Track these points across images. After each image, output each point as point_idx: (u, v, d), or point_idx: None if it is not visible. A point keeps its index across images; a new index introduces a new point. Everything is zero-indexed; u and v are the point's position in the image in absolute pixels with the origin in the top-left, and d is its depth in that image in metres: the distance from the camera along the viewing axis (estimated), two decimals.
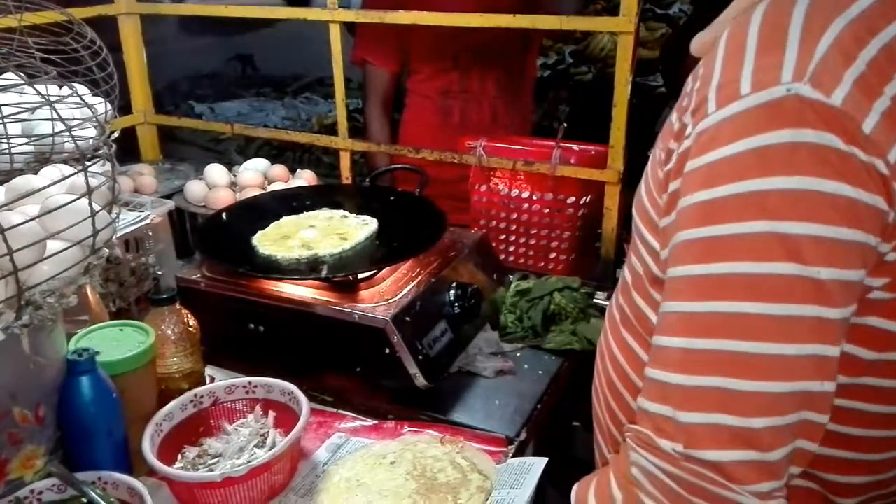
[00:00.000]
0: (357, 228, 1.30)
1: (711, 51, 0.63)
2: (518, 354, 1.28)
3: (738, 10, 0.66)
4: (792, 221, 0.55)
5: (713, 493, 0.58)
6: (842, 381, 0.62)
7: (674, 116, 0.68)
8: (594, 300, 1.35)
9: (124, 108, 1.92)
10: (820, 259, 0.55)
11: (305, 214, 1.38)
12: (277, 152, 2.47)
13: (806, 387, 0.57)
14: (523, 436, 1.08)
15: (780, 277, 0.56)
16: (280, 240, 1.28)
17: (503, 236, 1.58)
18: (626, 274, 0.82)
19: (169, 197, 1.59)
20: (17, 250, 0.69)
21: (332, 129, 1.73)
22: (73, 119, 0.88)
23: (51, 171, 0.95)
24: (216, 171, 1.64)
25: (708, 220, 0.59)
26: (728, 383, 0.58)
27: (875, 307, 0.62)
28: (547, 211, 1.52)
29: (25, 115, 0.92)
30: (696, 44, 0.72)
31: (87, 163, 0.84)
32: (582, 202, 1.51)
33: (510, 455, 1.04)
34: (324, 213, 1.38)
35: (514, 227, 1.57)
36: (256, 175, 1.64)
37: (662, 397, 0.61)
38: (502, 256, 1.57)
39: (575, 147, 1.51)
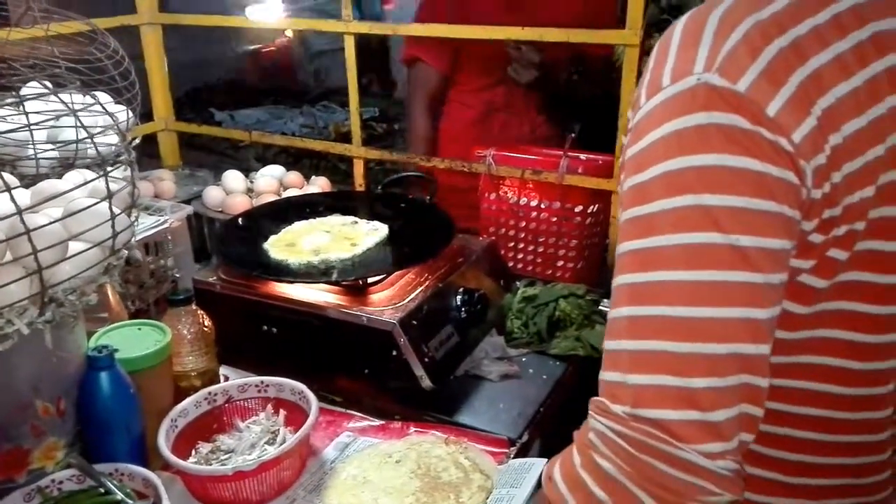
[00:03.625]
0: (367, 234, 1.34)
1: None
2: (523, 359, 1.31)
3: None
4: (708, 194, 0.61)
5: (661, 450, 0.61)
6: (780, 361, 0.67)
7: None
8: (599, 307, 1.38)
9: (146, 115, 1.97)
10: (737, 227, 0.61)
11: (317, 220, 1.42)
12: (294, 159, 2.51)
13: (740, 349, 0.61)
14: (525, 438, 1.11)
15: (706, 246, 0.61)
16: (292, 245, 1.32)
17: (512, 244, 1.61)
18: None
19: (188, 202, 1.64)
20: (41, 250, 0.74)
21: (348, 137, 1.77)
22: (96, 127, 0.93)
23: (74, 176, 0.99)
24: (233, 178, 1.68)
25: (641, 199, 0.65)
26: (669, 346, 0.62)
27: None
28: (555, 219, 1.55)
29: (51, 123, 0.97)
30: None
31: (109, 168, 0.88)
32: (589, 211, 1.53)
33: (512, 456, 1.07)
34: (335, 220, 1.42)
35: (522, 235, 1.59)
36: (272, 181, 1.69)
37: (614, 364, 0.65)
38: (511, 263, 1.60)
39: (582, 157, 1.54)
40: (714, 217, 0.61)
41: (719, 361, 0.61)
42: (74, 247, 0.82)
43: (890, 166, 0.65)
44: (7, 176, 0.93)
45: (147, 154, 1.98)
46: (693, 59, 0.63)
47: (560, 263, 1.58)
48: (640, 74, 1.35)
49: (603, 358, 0.68)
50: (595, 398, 0.67)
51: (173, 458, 0.96)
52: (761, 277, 0.61)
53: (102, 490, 0.91)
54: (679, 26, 0.67)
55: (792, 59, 0.62)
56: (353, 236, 1.34)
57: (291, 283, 1.24)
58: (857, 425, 0.73)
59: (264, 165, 1.85)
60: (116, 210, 0.83)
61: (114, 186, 0.84)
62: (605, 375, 0.66)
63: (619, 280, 0.67)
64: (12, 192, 0.71)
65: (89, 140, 0.86)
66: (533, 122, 1.93)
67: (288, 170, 1.78)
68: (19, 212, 0.71)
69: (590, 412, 0.67)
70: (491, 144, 1.76)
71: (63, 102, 0.80)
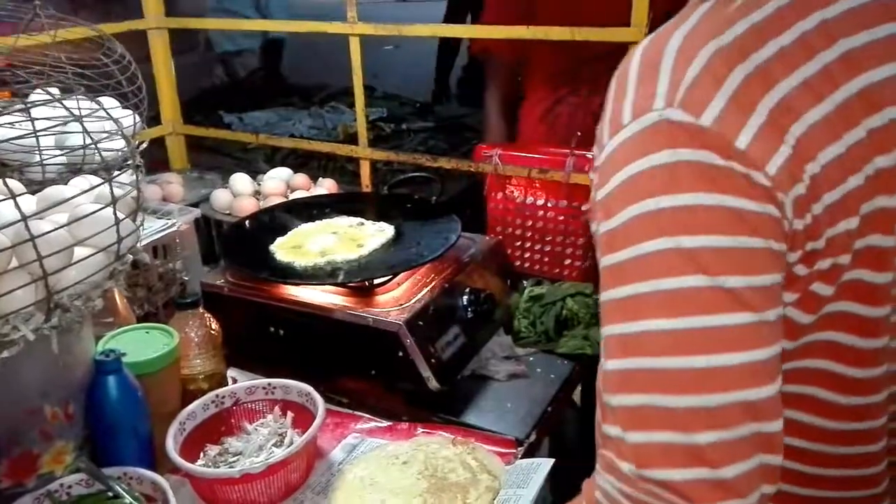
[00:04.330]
0: (373, 235, 1.34)
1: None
2: (531, 358, 1.30)
3: None
4: (687, 236, 0.57)
5: None
6: None
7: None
8: None
9: (154, 118, 1.98)
10: (722, 268, 0.57)
11: (324, 222, 1.42)
12: (303, 161, 2.51)
13: (744, 396, 0.57)
14: (533, 437, 1.11)
15: (692, 290, 0.57)
16: (298, 247, 1.32)
17: (518, 243, 1.61)
18: None
19: (196, 205, 1.64)
20: (46, 257, 0.74)
21: (356, 138, 1.77)
22: (102, 132, 0.93)
23: (80, 182, 0.99)
24: (241, 180, 1.69)
25: (615, 246, 0.61)
26: (665, 400, 0.58)
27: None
28: (562, 218, 1.54)
29: (58, 129, 0.97)
30: None
31: (115, 173, 0.89)
32: None
33: (519, 456, 1.07)
34: (341, 221, 1.42)
35: (529, 234, 1.59)
36: (279, 184, 1.69)
37: (613, 419, 0.61)
38: (518, 263, 1.60)
39: (589, 154, 1.53)
40: (696, 259, 0.57)
41: (723, 412, 0.57)
42: (79, 252, 0.82)
43: (874, 193, 0.61)
44: (13, 182, 0.94)
45: (156, 158, 1.99)
46: (653, 94, 0.60)
47: (567, 262, 1.58)
48: None
49: (601, 409, 0.65)
50: (602, 451, 0.63)
51: (181, 461, 0.97)
52: (756, 316, 0.57)
53: (111, 494, 0.91)
54: (636, 56, 0.64)
55: (758, 86, 0.59)
56: (360, 237, 1.34)
57: (298, 285, 1.25)
58: (847, 459, 0.70)
59: (273, 167, 1.85)
60: (121, 215, 0.84)
61: (119, 191, 0.85)
62: (607, 429, 0.62)
63: (604, 331, 0.63)
64: (17, 199, 0.71)
65: (96, 146, 0.86)
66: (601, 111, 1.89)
67: (296, 171, 1.79)
68: (24, 218, 0.71)
69: (597, 466, 0.64)
70: (560, 138, 1.72)
71: (67, 109, 0.81)
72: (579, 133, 1.54)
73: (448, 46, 4.42)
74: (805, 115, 0.59)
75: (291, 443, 1.04)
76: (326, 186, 1.73)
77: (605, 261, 0.63)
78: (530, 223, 1.58)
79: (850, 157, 0.60)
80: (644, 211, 0.59)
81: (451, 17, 4.21)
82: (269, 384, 1.12)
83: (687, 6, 0.66)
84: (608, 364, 0.62)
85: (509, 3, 1.86)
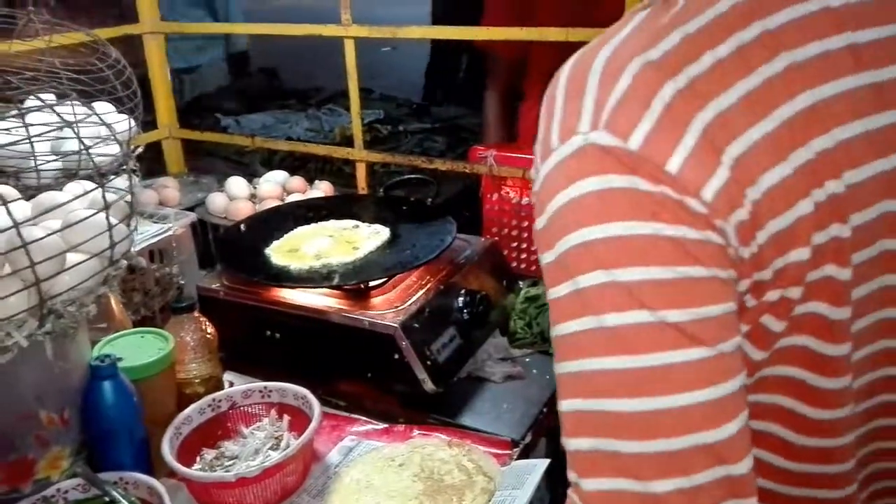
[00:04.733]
0: (369, 238, 1.34)
1: None
2: (527, 360, 1.30)
3: None
4: (622, 268, 0.53)
5: None
6: None
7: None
8: None
9: (151, 123, 1.99)
10: (665, 302, 0.52)
11: (319, 225, 1.42)
12: (300, 163, 2.51)
13: (699, 438, 0.52)
14: (529, 438, 1.11)
15: (635, 327, 0.52)
16: (294, 250, 1.32)
17: (514, 244, 1.61)
18: None
19: (192, 209, 1.64)
20: (38, 263, 0.75)
21: (353, 140, 1.77)
22: (96, 137, 0.94)
23: (74, 187, 1.00)
24: (236, 184, 1.69)
25: (556, 279, 0.57)
26: (616, 445, 0.53)
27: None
28: None
29: (54, 134, 0.98)
30: None
31: (109, 178, 0.89)
32: None
33: (515, 457, 1.07)
34: (336, 224, 1.42)
35: (525, 235, 1.59)
36: (275, 187, 1.69)
37: (570, 462, 0.57)
38: (514, 264, 1.60)
39: None
40: (635, 294, 0.52)
41: (679, 457, 0.52)
42: (73, 258, 0.83)
43: (828, 221, 0.55)
44: (6, 188, 0.95)
45: (153, 162, 1.99)
46: (578, 115, 0.55)
47: None
48: None
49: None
50: (569, 492, 0.59)
51: (177, 466, 0.97)
52: (708, 351, 0.52)
53: (107, 499, 0.92)
54: (565, 72, 0.59)
55: (691, 102, 0.53)
56: (355, 240, 1.34)
57: (294, 288, 1.25)
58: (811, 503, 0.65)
59: (270, 170, 1.85)
60: (114, 220, 0.84)
61: (112, 197, 0.85)
62: (568, 472, 0.58)
63: (556, 370, 0.58)
64: (8, 205, 0.71)
65: (90, 151, 0.87)
66: None
67: (293, 174, 1.79)
68: (16, 225, 0.72)
69: None
70: None
71: (58, 115, 0.81)
72: None
73: (450, 46, 4.39)
74: (745, 134, 0.53)
75: (288, 446, 1.04)
76: (322, 189, 1.73)
77: (549, 295, 0.58)
78: (526, 224, 1.58)
79: (798, 180, 0.54)
80: (577, 243, 0.54)
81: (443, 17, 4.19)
82: (266, 388, 1.12)
83: (624, 16, 0.61)
84: (561, 405, 0.58)
85: (506, 4, 1.87)
